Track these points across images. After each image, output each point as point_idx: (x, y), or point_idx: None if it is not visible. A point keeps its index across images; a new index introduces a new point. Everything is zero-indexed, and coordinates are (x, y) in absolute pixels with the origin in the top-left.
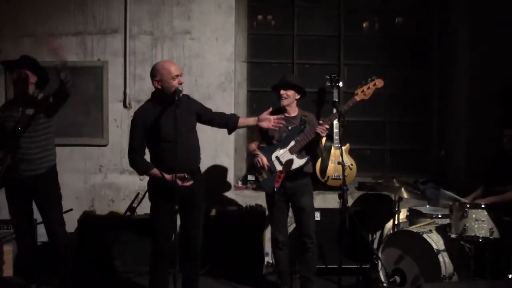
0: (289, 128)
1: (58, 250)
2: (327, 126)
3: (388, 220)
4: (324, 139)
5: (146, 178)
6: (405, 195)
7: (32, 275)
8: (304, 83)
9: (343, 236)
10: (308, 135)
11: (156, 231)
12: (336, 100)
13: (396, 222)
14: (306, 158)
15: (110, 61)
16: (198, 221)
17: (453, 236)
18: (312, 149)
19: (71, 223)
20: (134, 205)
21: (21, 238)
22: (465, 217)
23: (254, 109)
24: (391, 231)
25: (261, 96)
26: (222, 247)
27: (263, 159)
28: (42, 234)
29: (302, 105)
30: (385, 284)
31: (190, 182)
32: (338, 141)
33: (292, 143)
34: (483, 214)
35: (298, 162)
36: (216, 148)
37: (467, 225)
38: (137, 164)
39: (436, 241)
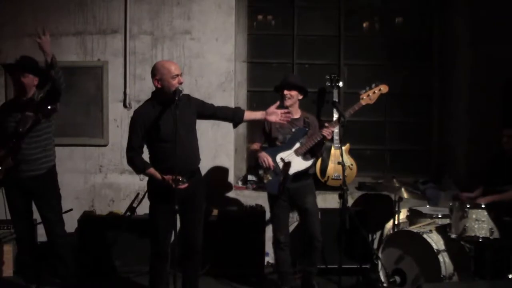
0: (293, 130)
1: (57, 250)
2: (333, 129)
3: (388, 220)
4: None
5: (146, 178)
6: (405, 195)
7: (32, 275)
8: (304, 83)
9: (343, 236)
10: (313, 137)
11: (155, 232)
12: (336, 100)
13: (396, 222)
14: (312, 160)
15: (110, 61)
16: (199, 222)
17: (453, 236)
18: (316, 151)
19: (71, 223)
20: (134, 205)
21: (21, 238)
22: (465, 217)
23: (254, 109)
24: (391, 231)
25: (261, 96)
26: (222, 247)
27: (268, 160)
28: (42, 234)
29: (302, 105)
30: (385, 284)
31: (185, 185)
32: (338, 141)
33: (297, 145)
34: (483, 214)
35: (304, 164)
36: (216, 148)
37: (467, 225)
38: (134, 163)
39: (436, 241)
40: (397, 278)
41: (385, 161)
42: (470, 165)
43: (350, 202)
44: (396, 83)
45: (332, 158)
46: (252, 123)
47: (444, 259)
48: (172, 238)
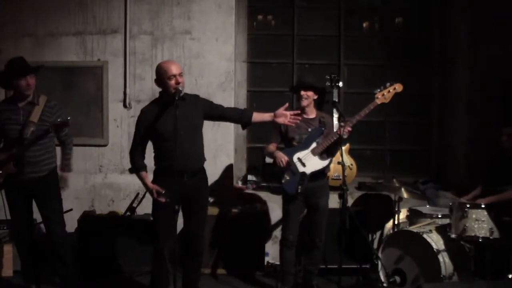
0: (309, 129)
1: (58, 250)
2: (350, 129)
3: (388, 220)
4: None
5: (148, 178)
6: (405, 195)
7: (32, 275)
8: (320, 83)
9: (343, 236)
10: (329, 136)
11: (156, 231)
12: (336, 100)
13: (396, 222)
14: (329, 159)
15: (110, 61)
16: (202, 222)
17: (453, 236)
18: (333, 151)
19: (71, 223)
20: (134, 205)
21: (20, 238)
22: (465, 217)
23: (254, 109)
24: (391, 231)
25: (261, 96)
26: (222, 247)
27: (285, 160)
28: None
29: None
30: (385, 284)
31: (164, 199)
32: None
33: (314, 144)
34: (483, 214)
35: (321, 163)
36: (216, 148)
37: (467, 225)
38: (132, 161)
39: (436, 241)
40: (397, 278)
41: (385, 161)
42: (470, 165)
43: (350, 202)
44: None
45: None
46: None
47: (444, 259)
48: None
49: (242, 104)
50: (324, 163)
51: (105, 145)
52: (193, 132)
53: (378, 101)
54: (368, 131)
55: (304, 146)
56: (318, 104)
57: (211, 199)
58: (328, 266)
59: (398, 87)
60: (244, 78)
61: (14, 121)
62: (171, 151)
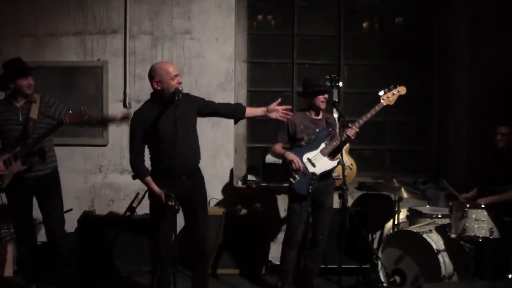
0: (317, 130)
1: (58, 250)
2: (357, 130)
3: (388, 220)
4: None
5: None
6: (405, 195)
7: (32, 275)
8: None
9: (343, 236)
10: (338, 137)
11: (155, 232)
12: (336, 100)
13: (396, 222)
14: (337, 160)
15: (110, 61)
16: (204, 222)
17: (453, 236)
18: (338, 151)
19: (71, 223)
20: (134, 205)
21: (21, 238)
22: (465, 217)
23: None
24: (391, 231)
25: (261, 96)
26: (222, 247)
27: (299, 162)
28: (42, 234)
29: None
30: (385, 284)
31: (172, 202)
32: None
33: (323, 145)
34: (483, 214)
35: (330, 164)
36: (216, 148)
37: (467, 225)
38: (134, 167)
39: (436, 241)
40: (397, 278)
41: (385, 161)
42: (470, 165)
43: (350, 202)
44: (396, 83)
45: None
46: (252, 123)
47: (444, 259)
48: (172, 238)
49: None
50: (334, 163)
51: (105, 145)
52: (189, 132)
53: (384, 103)
54: (368, 131)
55: (313, 147)
56: None
57: (210, 199)
58: (328, 266)
59: (402, 90)
60: (244, 78)
61: (15, 121)
62: (170, 152)
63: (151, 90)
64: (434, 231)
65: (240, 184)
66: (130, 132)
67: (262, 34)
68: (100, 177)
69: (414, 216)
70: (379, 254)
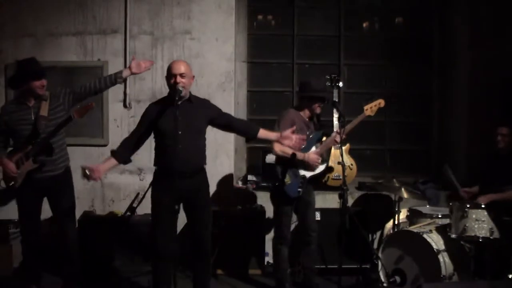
0: (308, 133)
1: (69, 248)
2: (344, 136)
3: (388, 220)
4: (324, 138)
5: (147, 178)
6: (405, 195)
7: (32, 275)
8: None
9: (343, 236)
10: (328, 142)
11: (155, 231)
12: (336, 100)
13: (396, 222)
14: (325, 164)
15: (110, 61)
16: (207, 222)
17: (453, 236)
18: (326, 155)
19: None
20: (134, 205)
21: (27, 238)
22: (465, 217)
23: (254, 109)
24: (391, 231)
25: (261, 96)
26: (222, 247)
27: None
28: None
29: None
30: (385, 284)
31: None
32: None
33: (313, 149)
34: (483, 214)
35: (319, 168)
36: (216, 148)
37: (467, 225)
38: (119, 145)
39: (436, 241)
40: (397, 278)
41: (385, 161)
42: (470, 165)
43: (350, 202)
44: (396, 83)
45: (332, 158)
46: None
47: (444, 259)
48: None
49: (242, 104)
50: (321, 167)
51: (105, 145)
52: (194, 134)
53: (366, 113)
54: (368, 131)
55: (305, 149)
56: None
57: (211, 199)
58: (328, 266)
59: (382, 103)
60: (244, 78)
61: (27, 120)
62: (170, 150)
63: (151, 90)
64: (434, 231)
65: (240, 184)
66: (140, 119)
67: (262, 34)
68: None
69: (414, 216)
70: (379, 254)
